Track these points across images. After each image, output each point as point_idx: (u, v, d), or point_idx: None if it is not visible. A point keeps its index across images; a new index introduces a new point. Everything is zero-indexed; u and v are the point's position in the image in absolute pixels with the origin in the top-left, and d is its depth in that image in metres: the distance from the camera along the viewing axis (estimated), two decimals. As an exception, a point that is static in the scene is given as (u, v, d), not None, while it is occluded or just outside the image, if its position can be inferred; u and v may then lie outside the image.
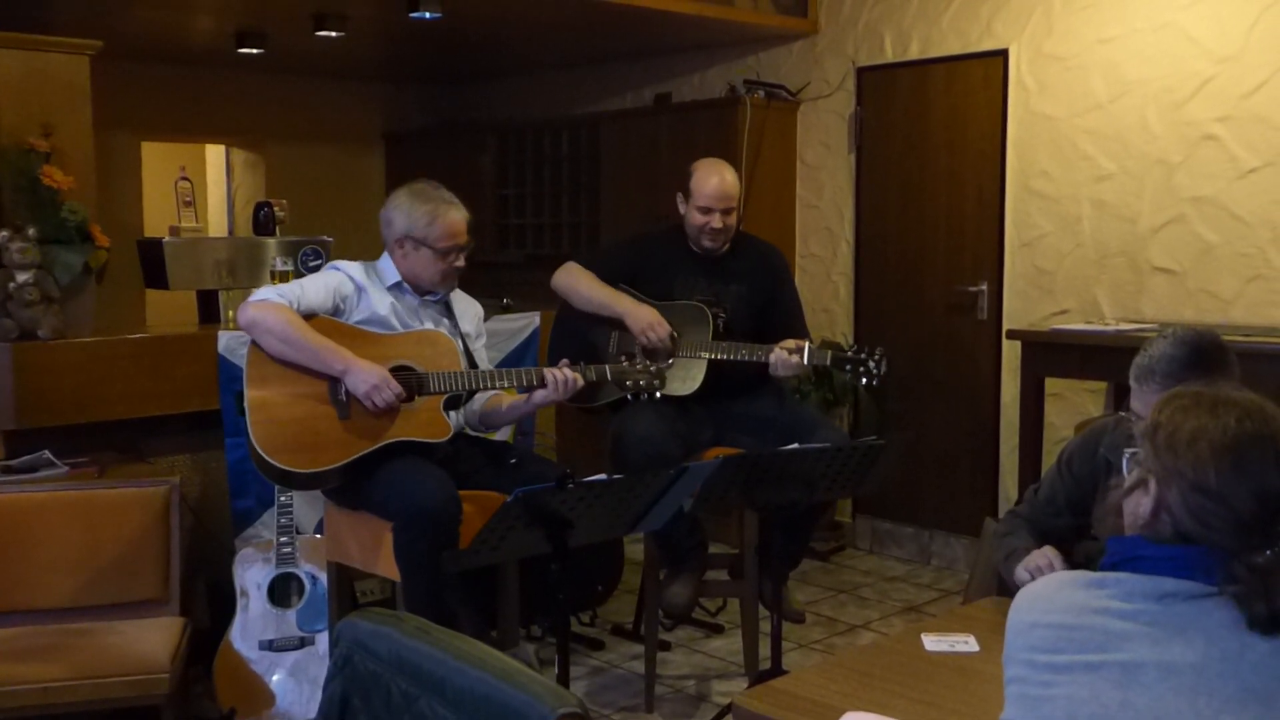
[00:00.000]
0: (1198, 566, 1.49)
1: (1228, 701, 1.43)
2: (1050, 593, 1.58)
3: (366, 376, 3.16)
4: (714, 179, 3.90)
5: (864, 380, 3.71)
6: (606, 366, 3.46)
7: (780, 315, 4.01)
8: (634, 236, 4.40)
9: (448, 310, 3.52)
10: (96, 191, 4.33)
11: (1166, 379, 2.44)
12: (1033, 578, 2.62)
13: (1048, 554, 2.67)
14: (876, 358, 3.68)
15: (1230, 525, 1.49)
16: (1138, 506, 1.60)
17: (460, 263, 3.41)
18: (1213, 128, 4.73)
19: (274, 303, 3.21)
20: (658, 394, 3.48)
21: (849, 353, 3.73)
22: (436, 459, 3.27)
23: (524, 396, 3.44)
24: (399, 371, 3.26)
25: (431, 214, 3.36)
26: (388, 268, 3.43)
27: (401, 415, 3.24)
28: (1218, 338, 2.54)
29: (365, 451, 3.19)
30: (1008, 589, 2.70)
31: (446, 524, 3.06)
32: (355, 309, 3.35)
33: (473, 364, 3.45)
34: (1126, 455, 1.67)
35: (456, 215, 3.39)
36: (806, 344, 3.72)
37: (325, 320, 3.29)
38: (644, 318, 3.84)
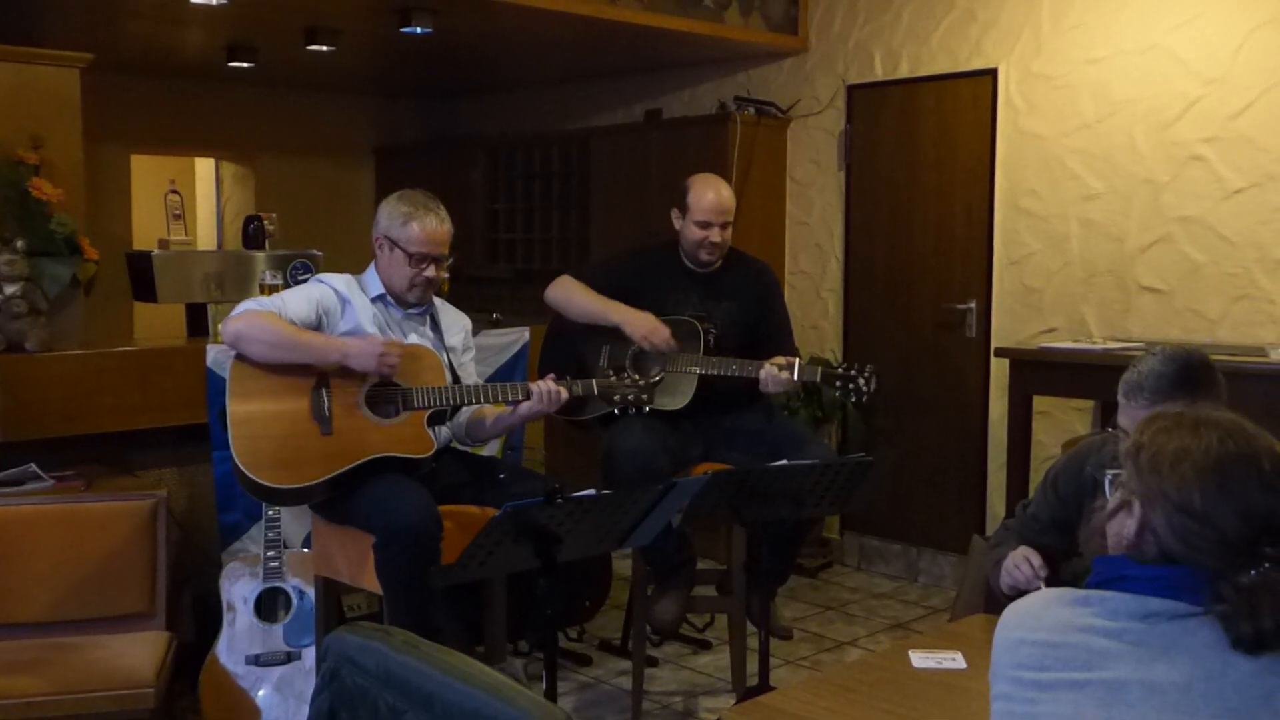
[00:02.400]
0: (1182, 586, 1.50)
1: (1211, 720, 1.44)
2: (1037, 610, 1.58)
3: (368, 349, 3.16)
4: (710, 193, 3.91)
5: (854, 398, 3.71)
6: (594, 381, 3.46)
7: (770, 332, 4.02)
8: (627, 252, 4.40)
9: (433, 324, 3.51)
10: (85, 204, 4.33)
11: (1155, 395, 2.45)
12: (1012, 578, 2.66)
13: (1023, 551, 2.70)
14: (866, 375, 3.68)
15: (1215, 545, 1.50)
16: (1122, 528, 1.60)
17: (432, 273, 3.37)
18: (1200, 148, 4.76)
19: (257, 311, 3.21)
20: (646, 408, 3.48)
21: (839, 369, 3.74)
22: (421, 474, 3.27)
23: (509, 408, 3.43)
24: (381, 386, 3.26)
25: (408, 216, 3.35)
26: (372, 280, 3.42)
27: (385, 431, 3.23)
28: (1206, 357, 2.56)
29: (347, 468, 3.18)
30: (995, 606, 2.71)
31: (426, 541, 3.06)
32: (339, 322, 3.34)
33: (457, 379, 3.44)
34: (1109, 476, 1.67)
35: (433, 223, 3.36)
36: (796, 360, 3.73)
37: None
38: (642, 324, 3.83)
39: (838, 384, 3.71)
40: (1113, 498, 1.66)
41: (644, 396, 3.44)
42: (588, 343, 3.98)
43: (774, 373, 3.68)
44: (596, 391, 3.44)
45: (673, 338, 3.85)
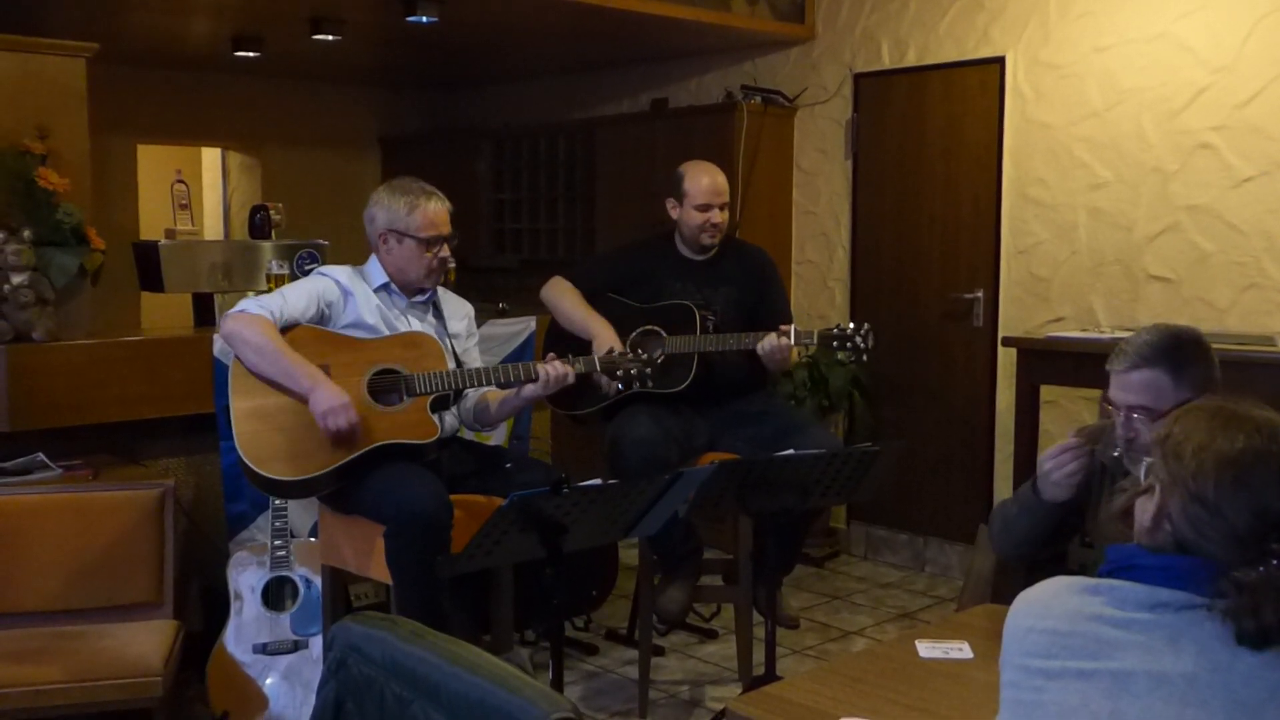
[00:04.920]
0: (1190, 577, 1.49)
1: (1216, 713, 1.43)
2: (1047, 598, 1.58)
3: (327, 399, 3.11)
4: (705, 177, 3.95)
5: (853, 357, 3.72)
6: (595, 358, 3.47)
7: (769, 315, 4.01)
8: (622, 246, 4.41)
9: (436, 311, 3.51)
10: (92, 194, 4.32)
11: (1137, 359, 2.45)
12: (1053, 464, 2.58)
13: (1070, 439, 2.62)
14: (863, 332, 3.68)
15: (1224, 537, 1.50)
16: (1143, 513, 1.61)
17: (444, 254, 3.39)
18: (1208, 137, 4.74)
19: (252, 315, 3.19)
20: (649, 383, 3.48)
21: (835, 329, 3.73)
22: (427, 461, 3.27)
23: (513, 390, 3.43)
24: (383, 375, 3.26)
25: (411, 204, 3.36)
26: (374, 270, 3.42)
27: (388, 417, 3.23)
28: (1198, 334, 2.55)
29: (352, 456, 3.17)
30: (1002, 596, 2.70)
31: (438, 529, 3.06)
32: (342, 314, 3.34)
33: (461, 365, 3.44)
34: (1145, 464, 1.68)
35: (436, 204, 3.38)
36: (793, 326, 3.72)
37: (309, 328, 3.27)
38: (607, 348, 3.83)
39: (834, 344, 3.71)
40: (1143, 484, 1.66)
41: (647, 370, 3.45)
42: None
43: (772, 340, 3.68)
44: (599, 367, 3.44)
45: (667, 323, 3.86)
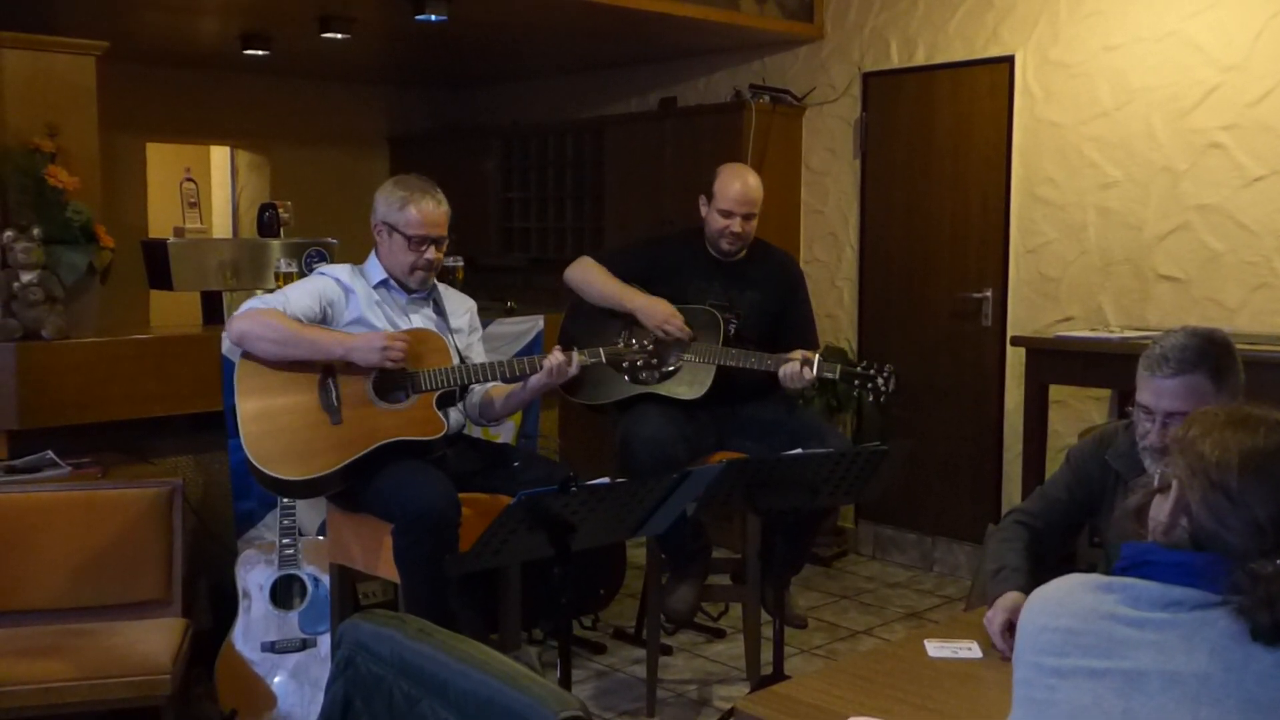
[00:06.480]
0: (1205, 574, 1.49)
1: (1230, 713, 1.42)
2: (1060, 596, 1.58)
3: (371, 343, 3.18)
4: (737, 184, 3.89)
5: (872, 397, 3.70)
6: (601, 348, 3.47)
7: (792, 325, 4.00)
8: (650, 237, 4.38)
9: (438, 308, 3.51)
10: (101, 192, 4.33)
11: (1180, 364, 2.43)
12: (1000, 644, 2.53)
13: (999, 612, 2.52)
14: (885, 375, 3.66)
15: (1245, 525, 1.50)
16: (1159, 511, 1.60)
17: (432, 255, 3.38)
18: (1218, 136, 4.73)
19: (260, 309, 3.22)
20: (655, 374, 3.47)
21: (858, 369, 3.72)
22: (434, 458, 3.27)
23: (518, 384, 3.43)
24: (389, 372, 3.26)
25: (405, 200, 3.36)
26: (373, 267, 3.43)
27: (395, 415, 3.24)
28: (1226, 335, 2.55)
29: (359, 454, 3.18)
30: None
31: (446, 527, 3.06)
32: (344, 312, 3.35)
33: (464, 361, 3.44)
34: (1161, 469, 1.68)
35: (430, 205, 3.37)
36: (817, 357, 3.71)
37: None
38: (659, 312, 3.83)
39: (856, 382, 3.70)
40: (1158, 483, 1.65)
41: (653, 361, 3.44)
42: (609, 322, 3.96)
43: (794, 369, 3.67)
44: (604, 359, 3.44)
45: (690, 327, 3.84)
